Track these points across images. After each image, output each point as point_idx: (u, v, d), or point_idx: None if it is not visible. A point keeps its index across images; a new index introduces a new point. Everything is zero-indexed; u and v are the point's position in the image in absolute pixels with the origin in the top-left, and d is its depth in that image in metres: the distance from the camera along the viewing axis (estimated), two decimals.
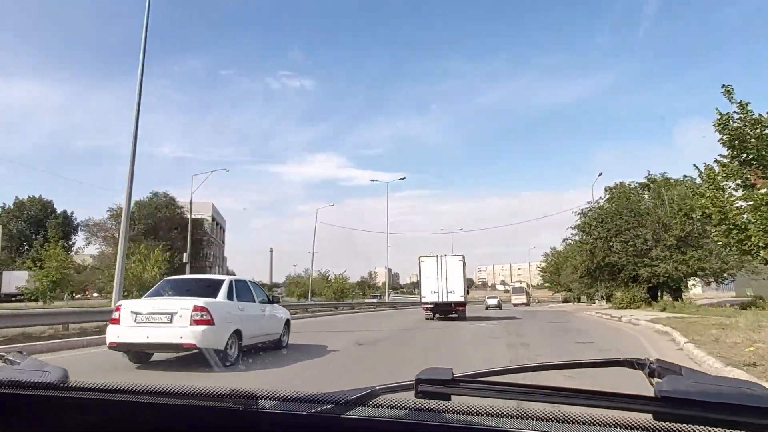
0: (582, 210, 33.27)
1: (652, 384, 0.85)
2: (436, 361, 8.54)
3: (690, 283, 33.56)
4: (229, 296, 8.08)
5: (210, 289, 8.06)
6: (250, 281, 9.77)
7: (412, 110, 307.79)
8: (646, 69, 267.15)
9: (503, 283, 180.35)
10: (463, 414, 0.89)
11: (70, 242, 57.65)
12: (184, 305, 7.15)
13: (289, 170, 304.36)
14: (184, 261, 32.39)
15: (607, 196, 33.72)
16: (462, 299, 21.59)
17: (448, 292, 21.44)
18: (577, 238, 35.03)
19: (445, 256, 22.41)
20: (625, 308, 27.95)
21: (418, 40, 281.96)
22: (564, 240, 38.89)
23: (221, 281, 8.42)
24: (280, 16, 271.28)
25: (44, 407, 1.04)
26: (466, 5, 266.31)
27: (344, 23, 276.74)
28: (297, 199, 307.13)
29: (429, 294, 21.72)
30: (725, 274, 29.22)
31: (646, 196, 32.32)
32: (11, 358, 1.20)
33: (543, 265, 70.47)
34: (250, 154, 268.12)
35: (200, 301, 7.27)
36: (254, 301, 8.97)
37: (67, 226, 62.14)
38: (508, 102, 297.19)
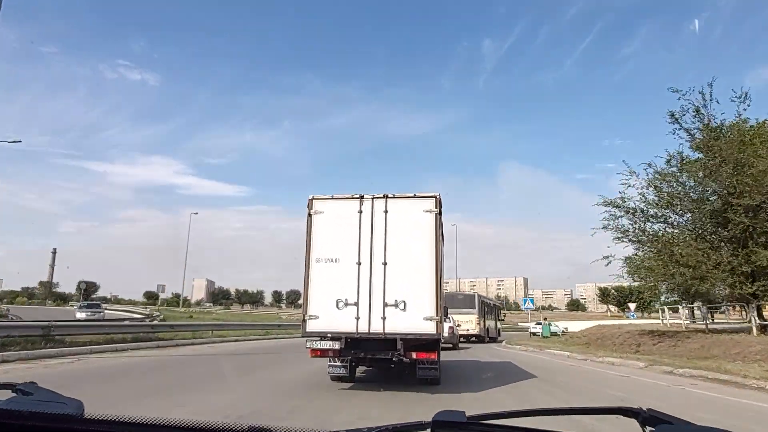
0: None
1: None
2: None
3: None
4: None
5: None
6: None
7: (261, 123, 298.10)
8: (479, 114, 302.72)
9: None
10: None
11: None
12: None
13: (116, 170, 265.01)
14: None
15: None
16: (432, 328, 7.77)
17: (385, 304, 7.94)
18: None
19: (385, 197, 8.49)
20: None
21: (275, 52, 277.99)
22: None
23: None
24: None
25: None
26: (322, 25, 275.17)
27: (199, 20, 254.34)
28: (123, 203, 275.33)
29: (329, 310, 8.05)
30: None
31: None
32: (23, 388, 1.17)
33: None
34: (69, 148, 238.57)
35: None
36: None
37: None
38: (355, 127, 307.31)
